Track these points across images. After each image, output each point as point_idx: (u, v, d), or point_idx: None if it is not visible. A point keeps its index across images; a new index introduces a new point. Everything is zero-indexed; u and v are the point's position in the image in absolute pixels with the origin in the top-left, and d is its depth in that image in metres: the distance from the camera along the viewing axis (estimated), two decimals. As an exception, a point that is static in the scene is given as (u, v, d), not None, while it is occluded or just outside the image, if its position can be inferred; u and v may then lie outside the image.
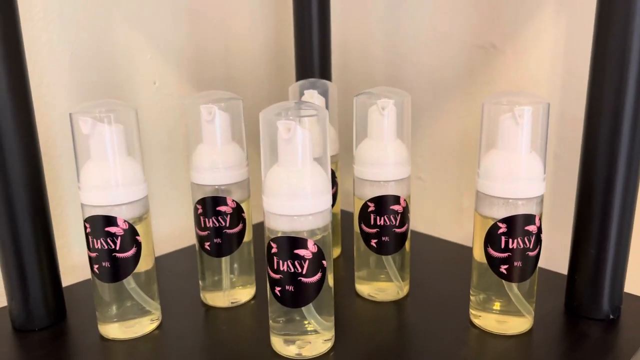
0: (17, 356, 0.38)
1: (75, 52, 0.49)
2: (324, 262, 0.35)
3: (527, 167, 0.36)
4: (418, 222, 0.63)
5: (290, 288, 0.35)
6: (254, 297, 0.45)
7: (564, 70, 0.50)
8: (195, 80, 0.58)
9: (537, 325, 0.39)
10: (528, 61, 0.52)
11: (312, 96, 0.46)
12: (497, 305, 0.39)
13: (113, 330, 0.39)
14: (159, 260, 0.51)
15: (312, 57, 0.56)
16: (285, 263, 0.34)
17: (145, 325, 0.40)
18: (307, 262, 0.34)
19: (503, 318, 0.39)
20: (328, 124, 0.34)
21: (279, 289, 0.35)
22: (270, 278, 0.35)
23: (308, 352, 0.36)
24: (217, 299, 0.43)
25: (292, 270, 0.34)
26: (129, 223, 0.37)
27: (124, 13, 0.52)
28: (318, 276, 0.35)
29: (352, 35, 0.64)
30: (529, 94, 0.37)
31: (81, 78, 0.50)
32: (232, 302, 0.43)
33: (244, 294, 0.44)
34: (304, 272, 0.34)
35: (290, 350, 0.36)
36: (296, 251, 0.34)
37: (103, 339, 0.39)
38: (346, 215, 0.58)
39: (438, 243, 0.56)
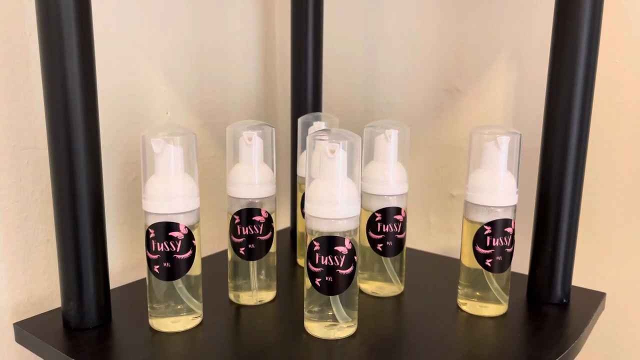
0: (77, 351, 0.42)
1: (100, 78, 0.55)
2: (355, 257, 0.43)
3: (504, 182, 0.46)
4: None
5: (329, 279, 0.43)
6: (275, 298, 0.52)
7: (514, 109, 0.62)
8: (200, 111, 0.65)
9: (509, 310, 0.50)
10: (485, 102, 0.64)
11: (320, 127, 0.55)
12: (480, 295, 0.49)
13: (163, 324, 0.45)
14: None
15: (307, 95, 0.65)
16: (326, 258, 0.42)
17: (189, 321, 0.46)
18: (343, 257, 0.42)
19: (485, 305, 0.49)
20: (360, 147, 0.43)
21: (319, 280, 0.43)
22: (311, 271, 0.43)
23: (337, 334, 0.44)
24: (246, 298, 0.50)
25: (331, 263, 0.42)
26: (188, 228, 0.43)
27: (146, 49, 0.58)
28: (351, 269, 0.43)
29: (335, 76, 0.74)
30: (505, 126, 0.48)
31: (106, 107, 0.55)
32: (259, 301, 0.50)
33: (268, 295, 0.51)
34: (340, 264, 0.42)
35: (326, 332, 0.44)
36: (335, 248, 0.42)
37: (151, 333, 0.45)
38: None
39: (417, 253, 0.65)
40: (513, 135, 0.46)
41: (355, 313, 0.45)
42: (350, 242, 0.42)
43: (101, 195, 0.45)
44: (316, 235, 0.42)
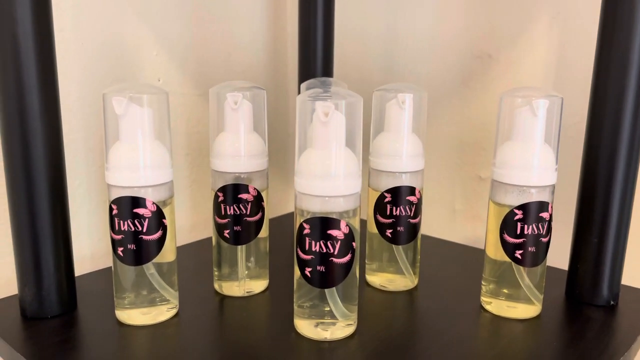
0: (30, 343, 0.36)
1: (86, 45, 0.49)
2: (353, 244, 0.36)
3: (541, 157, 0.38)
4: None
5: (321, 268, 0.35)
6: (266, 289, 0.45)
7: (556, 78, 0.53)
8: (198, 79, 0.59)
9: (543, 311, 0.41)
10: (521, 70, 0.55)
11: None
12: (507, 293, 0.41)
13: (130, 316, 0.39)
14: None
15: (316, 59, 0.58)
16: (318, 243, 0.35)
17: (162, 313, 0.39)
18: (339, 242, 0.35)
19: (513, 304, 0.41)
20: (361, 110, 0.36)
21: (309, 269, 0.36)
22: (300, 260, 0.36)
23: (331, 335, 0.37)
24: (233, 288, 0.43)
25: (324, 250, 0.35)
26: (157, 205, 0.37)
27: (134, 9, 0.52)
28: (348, 257, 0.36)
29: (351, 43, 0.66)
30: (543, 89, 0.40)
31: (90, 70, 0.49)
32: (247, 292, 0.43)
33: (258, 285, 0.44)
34: (335, 252, 0.35)
35: (317, 332, 0.37)
36: (329, 231, 0.35)
37: (118, 325, 0.39)
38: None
39: (437, 242, 0.57)
40: (553, 98, 0.38)
41: (355, 309, 0.38)
42: (347, 225, 0.35)
43: (62, 168, 0.39)
44: (307, 216, 0.35)
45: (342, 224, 0.35)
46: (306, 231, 0.35)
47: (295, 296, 0.38)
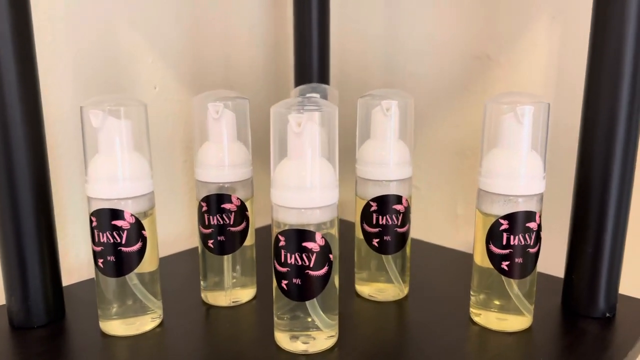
0: (16, 353, 0.37)
1: (80, 54, 0.49)
2: (330, 255, 0.35)
3: (527, 165, 0.37)
4: (413, 229, 0.64)
5: (297, 281, 0.35)
6: (254, 298, 0.45)
7: (557, 79, 0.51)
8: (195, 86, 0.59)
9: (535, 323, 0.40)
10: (522, 71, 0.53)
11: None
12: (497, 304, 0.39)
13: (113, 327, 0.39)
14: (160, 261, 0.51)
15: (312, 63, 0.57)
16: (293, 256, 0.34)
17: (146, 323, 0.40)
18: (314, 255, 0.34)
19: (503, 316, 0.39)
20: (337, 119, 0.35)
21: (285, 282, 0.35)
22: (277, 272, 0.35)
23: (312, 347, 0.36)
24: (219, 298, 0.43)
25: (300, 263, 0.34)
26: (135, 217, 0.37)
27: (128, 17, 0.52)
28: (325, 270, 0.35)
29: (351, 45, 0.66)
30: (529, 95, 0.38)
31: (84, 79, 0.50)
32: (233, 302, 0.43)
33: (245, 294, 0.44)
34: (311, 265, 0.35)
35: (295, 346, 0.36)
36: (304, 244, 0.34)
37: (103, 336, 0.39)
38: (342, 223, 0.58)
39: (434, 249, 0.56)
40: (538, 104, 0.36)
41: (335, 320, 0.37)
42: (323, 237, 0.34)
43: (46, 175, 0.39)
44: (283, 228, 0.35)
45: (318, 236, 0.34)
46: (282, 243, 0.35)
47: (274, 307, 0.37)
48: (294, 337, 0.36)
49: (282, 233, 0.35)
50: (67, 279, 0.48)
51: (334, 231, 0.36)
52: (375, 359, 0.36)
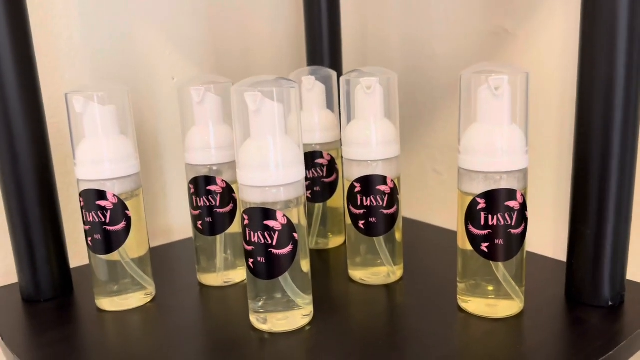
0: (24, 319, 0.41)
1: (97, 48, 0.52)
2: (295, 234, 0.35)
3: (507, 140, 0.34)
4: (436, 216, 0.61)
5: (261, 260, 0.35)
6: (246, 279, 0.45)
7: (576, 52, 0.47)
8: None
9: (530, 310, 0.37)
10: (540, 44, 0.50)
11: (310, 82, 0.47)
12: (486, 289, 0.37)
13: (107, 303, 0.41)
14: (160, 249, 0.53)
15: (322, 48, 0.57)
16: (257, 234, 0.35)
17: (139, 299, 0.41)
18: (277, 233, 0.34)
19: (493, 302, 0.37)
20: (297, 97, 0.35)
21: (251, 260, 0.35)
22: (245, 250, 0.36)
23: (285, 326, 0.36)
24: (211, 278, 0.44)
25: (263, 241, 0.35)
26: (118, 197, 0.39)
27: (145, 9, 0.54)
28: (289, 248, 0.35)
29: (370, 26, 0.64)
30: (508, 65, 0.36)
31: (102, 73, 0.53)
32: (225, 282, 0.44)
33: (238, 275, 0.45)
34: (274, 243, 0.35)
35: (262, 326, 0.37)
36: (266, 222, 0.34)
37: (100, 311, 0.41)
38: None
39: (431, 229, 0.54)
40: (515, 74, 0.34)
41: (309, 299, 0.37)
42: (284, 215, 0.34)
43: (49, 161, 0.42)
44: (247, 207, 0.35)
45: (279, 215, 0.34)
46: (246, 222, 0.35)
47: (248, 289, 0.37)
48: (267, 315, 0.37)
49: (246, 212, 0.35)
50: (84, 260, 0.51)
51: (302, 208, 0.35)
52: (345, 338, 0.35)
